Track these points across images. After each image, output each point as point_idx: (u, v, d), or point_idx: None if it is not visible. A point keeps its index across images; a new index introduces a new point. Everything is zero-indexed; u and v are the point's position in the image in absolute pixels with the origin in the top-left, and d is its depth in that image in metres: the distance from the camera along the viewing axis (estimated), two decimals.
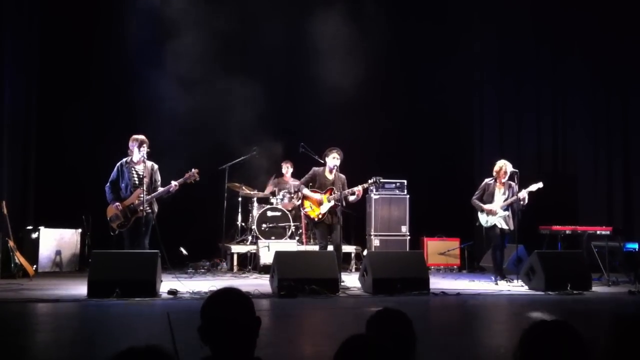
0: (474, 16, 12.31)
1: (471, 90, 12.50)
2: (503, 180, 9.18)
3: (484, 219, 9.25)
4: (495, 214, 9.12)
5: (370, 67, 11.48)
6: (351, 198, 8.45)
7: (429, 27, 11.64)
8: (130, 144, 7.97)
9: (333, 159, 8.42)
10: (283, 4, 11.32)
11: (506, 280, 9.04)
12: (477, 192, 9.41)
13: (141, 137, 7.97)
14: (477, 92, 12.54)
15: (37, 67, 10.53)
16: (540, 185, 9.09)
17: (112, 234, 8.02)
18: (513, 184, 9.18)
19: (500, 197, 9.18)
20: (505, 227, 9.15)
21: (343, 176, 8.57)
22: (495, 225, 9.15)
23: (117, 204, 7.84)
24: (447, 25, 11.86)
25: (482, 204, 9.22)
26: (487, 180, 9.39)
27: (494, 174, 9.23)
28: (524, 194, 9.01)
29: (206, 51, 10.62)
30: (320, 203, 8.41)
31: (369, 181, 8.71)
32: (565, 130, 12.28)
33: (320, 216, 8.41)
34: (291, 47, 11.28)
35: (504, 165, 9.14)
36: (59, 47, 10.58)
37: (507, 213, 9.12)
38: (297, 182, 9.31)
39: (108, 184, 8.00)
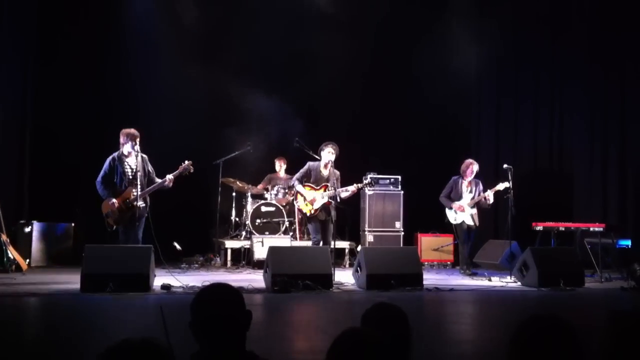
0: (473, 8, 12.30)
1: (469, 85, 12.47)
2: (469, 179, 9.56)
3: (452, 216, 9.65)
4: (463, 211, 9.52)
5: (365, 62, 11.47)
6: (344, 194, 8.45)
7: (428, 19, 11.59)
8: (121, 138, 7.87)
9: (328, 154, 8.39)
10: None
11: (468, 273, 9.46)
12: (444, 190, 9.74)
13: (133, 131, 7.88)
14: (475, 88, 12.53)
15: (34, 60, 10.47)
16: (506, 184, 9.22)
17: (108, 229, 7.98)
18: (479, 181, 9.53)
19: (467, 195, 9.54)
20: (471, 223, 9.54)
21: (337, 172, 8.54)
22: (462, 222, 9.54)
23: (114, 201, 7.77)
24: (446, 20, 11.83)
25: (450, 202, 9.59)
26: (454, 177, 9.72)
27: (461, 171, 9.62)
28: (489, 193, 9.38)
29: (200, 44, 10.59)
30: (314, 200, 8.39)
31: (364, 181, 8.75)
32: (562, 128, 12.28)
33: (313, 212, 8.40)
34: (288, 41, 11.24)
35: (470, 164, 9.54)
36: (56, 40, 10.55)
37: (474, 211, 9.53)
38: (291, 179, 9.29)
39: (99, 179, 7.87)
